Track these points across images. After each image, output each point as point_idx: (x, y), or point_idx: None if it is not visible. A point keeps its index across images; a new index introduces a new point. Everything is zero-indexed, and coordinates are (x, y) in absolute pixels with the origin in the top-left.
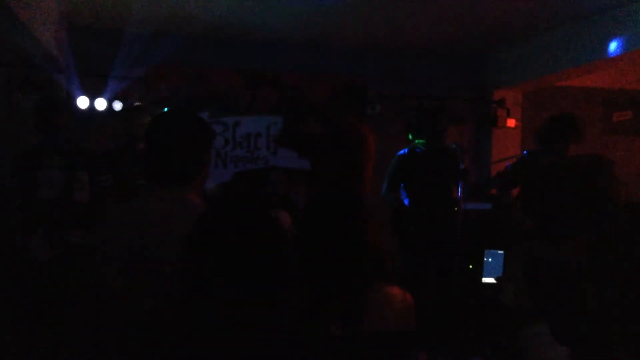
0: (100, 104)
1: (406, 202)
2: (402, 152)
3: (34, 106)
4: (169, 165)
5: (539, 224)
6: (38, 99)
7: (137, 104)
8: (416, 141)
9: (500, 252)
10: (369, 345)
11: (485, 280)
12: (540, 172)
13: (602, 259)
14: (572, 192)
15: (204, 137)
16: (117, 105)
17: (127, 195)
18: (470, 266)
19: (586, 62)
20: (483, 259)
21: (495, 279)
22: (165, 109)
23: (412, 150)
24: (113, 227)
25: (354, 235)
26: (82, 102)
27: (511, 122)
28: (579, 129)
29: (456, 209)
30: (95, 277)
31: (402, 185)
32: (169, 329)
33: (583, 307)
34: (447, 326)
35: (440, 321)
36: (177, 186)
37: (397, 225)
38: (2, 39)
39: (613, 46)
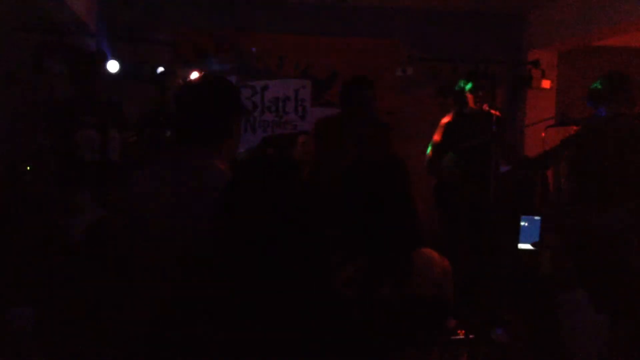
0: (130, 68)
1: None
2: (453, 114)
3: (70, 59)
4: (196, 129)
5: (588, 187)
6: (73, 54)
7: (161, 69)
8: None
9: (537, 218)
10: (406, 307)
11: (522, 246)
12: (585, 134)
13: None
14: (618, 154)
15: (231, 103)
16: (147, 70)
17: (153, 155)
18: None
19: (624, 21)
20: (519, 225)
21: (532, 245)
22: (195, 74)
23: (458, 115)
24: (141, 189)
25: (400, 196)
26: (112, 66)
27: (546, 84)
28: (630, 89)
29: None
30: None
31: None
32: (200, 293)
33: (625, 275)
34: (479, 293)
35: (473, 288)
36: (203, 150)
37: (441, 196)
38: (31, 5)
39: None
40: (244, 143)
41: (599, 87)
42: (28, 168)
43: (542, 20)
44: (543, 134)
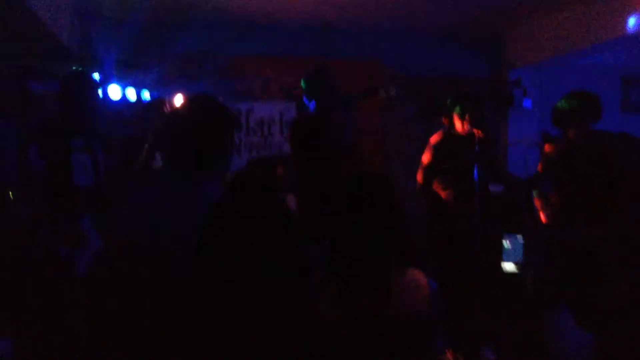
0: (115, 93)
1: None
2: (439, 136)
3: (61, 76)
4: (191, 152)
5: (565, 207)
6: (65, 72)
7: (150, 94)
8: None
9: (520, 237)
10: (390, 327)
11: (505, 265)
12: (565, 154)
13: (632, 243)
14: (601, 171)
15: (225, 124)
16: (131, 95)
17: (139, 180)
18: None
19: (604, 40)
20: (502, 244)
21: (515, 265)
22: (180, 97)
23: (446, 135)
24: (132, 215)
25: (382, 213)
26: (114, 91)
27: (528, 103)
28: (598, 106)
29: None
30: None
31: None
32: (185, 315)
33: (609, 294)
34: (464, 312)
35: (458, 307)
36: (198, 174)
37: (435, 219)
38: (13, 30)
39: (631, 22)
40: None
41: (568, 106)
42: (10, 194)
43: (521, 39)
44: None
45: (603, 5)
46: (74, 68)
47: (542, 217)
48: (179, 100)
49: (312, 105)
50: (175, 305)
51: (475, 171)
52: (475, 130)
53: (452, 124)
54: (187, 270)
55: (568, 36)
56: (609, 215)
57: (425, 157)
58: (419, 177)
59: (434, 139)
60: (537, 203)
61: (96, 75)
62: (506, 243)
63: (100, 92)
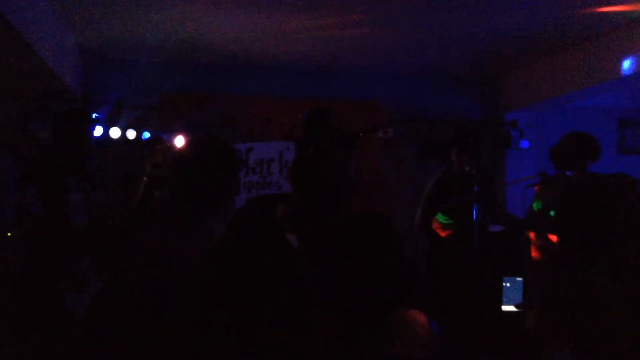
0: (115, 132)
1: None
2: (438, 174)
3: (55, 120)
4: (197, 193)
5: (562, 247)
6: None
7: (149, 132)
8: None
9: (519, 279)
10: None
11: (505, 308)
12: (563, 194)
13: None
14: (598, 213)
15: (230, 164)
16: (131, 134)
17: (140, 220)
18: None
19: (599, 82)
20: (502, 286)
21: (516, 307)
22: (181, 138)
23: (445, 175)
24: (135, 257)
25: (382, 255)
26: (97, 131)
27: (525, 143)
28: (595, 148)
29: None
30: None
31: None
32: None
33: (608, 335)
34: (464, 354)
35: (458, 350)
36: (203, 214)
37: (435, 256)
38: (18, 72)
39: (627, 65)
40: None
41: (566, 147)
42: (9, 234)
43: (518, 81)
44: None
45: (598, 49)
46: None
47: (535, 253)
48: (179, 140)
49: (312, 144)
50: (177, 345)
51: (474, 211)
52: (473, 171)
53: (451, 164)
54: (189, 308)
55: (564, 79)
56: (606, 258)
57: (425, 196)
58: (418, 216)
59: (433, 179)
60: (532, 239)
61: (93, 115)
62: (506, 285)
63: (99, 129)
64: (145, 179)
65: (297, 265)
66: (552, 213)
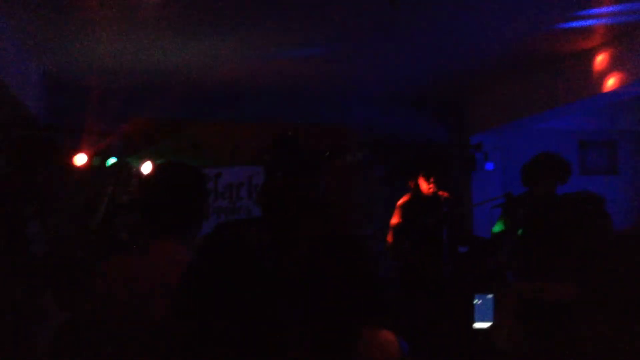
0: (81, 159)
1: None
2: (402, 199)
3: (11, 143)
4: (165, 219)
5: (530, 264)
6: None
7: (112, 160)
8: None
9: (490, 296)
10: None
11: (477, 325)
12: (532, 211)
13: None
14: (566, 230)
15: (199, 189)
16: (96, 161)
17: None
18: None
19: (560, 105)
20: (473, 304)
21: (486, 323)
22: (148, 165)
23: (413, 197)
24: (106, 285)
25: (352, 274)
26: (80, 159)
27: (489, 165)
28: (565, 168)
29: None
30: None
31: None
32: None
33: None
34: None
35: None
36: (171, 239)
37: (405, 277)
38: None
39: (584, 88)
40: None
41: (532, 167)
42: None
43: (481, 105)
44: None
45: (557, 72)
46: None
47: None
48: (147, 166)
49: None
50: None
51: (444, 232)
52: (441, 192)
53: (417, 187)
54: (161, 336)
55: (524, 101)
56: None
57: (394, 219)
58: (389, 238)
59: (401, 201)
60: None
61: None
62: (477, 302)
63: (57, 156)
64: (104, 203)
65: (270, 286)
66: (519, 231)
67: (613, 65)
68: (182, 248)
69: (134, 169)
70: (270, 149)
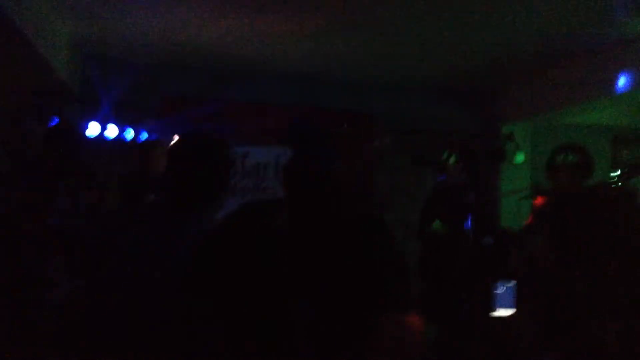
0: (112, 131)
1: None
2: (438, 182)
3: (44, 134)
4: (190, 189)
5: (559, 255)
6: (48, 127)
7: (145, 134)
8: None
9: (512, 283)
10: None
11: (497, 312)
12: (556, 207)
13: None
14: (598, 224)
15: (224, 161)
16: (129, 134)
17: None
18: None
19: (594, 99)
20: (492, 292)
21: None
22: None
23: (442, 184)
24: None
25: (378, 258)
26: (93, 129)
27: (520, 157)
28: (590, 162)
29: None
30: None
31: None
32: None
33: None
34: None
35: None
36: (197, 209)
37: (428, 266)
38: (14, 66)
39: (621, 83)
40: (222, 208)
41: (561, 159)
42: None
43: (514, 96)
44: (539, 200)
45: (594, 65)
46: (57, 120)
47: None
48: (179, 137)
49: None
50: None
51: (469, 221)
52: (469, 181)
53: (447, 174)
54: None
55: (560, 93)
56: (600, 270)
57: (425, 203)
58: (421, 220)
59: (432, 187)
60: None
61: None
62: (498, 290)
63: (95, 128)
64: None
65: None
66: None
67: None
68: (200, 220)
69: (164, 144)
70: (287, 133)
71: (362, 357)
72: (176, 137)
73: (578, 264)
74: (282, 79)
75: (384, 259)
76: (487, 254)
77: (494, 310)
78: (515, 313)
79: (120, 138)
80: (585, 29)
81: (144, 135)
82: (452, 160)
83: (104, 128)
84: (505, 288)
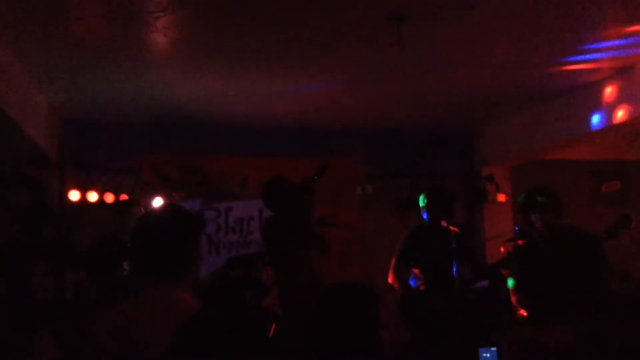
0: (92, 196)
1: (412, 283)
2: (413, 227)
3: (23, 208)
4: (158, 264)
5: (532, 304)
6: (27, 200)
7: (126, 196)
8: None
9: (494, 349)
10: None
11: None
12: (526, 247)
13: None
14: (561, 265)
15: (192, 232)
16: (109, 198)
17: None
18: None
19: (571, 136)
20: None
21: None
22: (159, 200)
23: (419, 228)
24: (99, 332)
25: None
26: (73, 195)
27: (501, 197)
28: (556, 201)
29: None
30: None
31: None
32: None
33: None
34: None
35: None
36: (167, 284)
37: (409, 312)
38: None
39: (596, 119)
40: (208, 265)
41: (527, 201)
42: None
43: (492, 137)
44: (502, 249)
45: (569, 104)
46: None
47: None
48: (157, 202)
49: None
50: None
51: (453, 267)
52: (451, 227)
53: (422, 218)
54: None
55: (538, 132)
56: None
57: (399, 247)
58: (393, 263)
59: (407, 232)
60: (512, 297)
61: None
62: (484, 356)
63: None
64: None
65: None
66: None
67: (621, 98)
68: (181, 294)
69: (145, 208)
70: (264, 187)
71: None
72: (158, 199)
73: (549, 305)
74: (265, 132)
75: (363, 329)
76: (480, 299)
77: None
78: None
79: (101, 202)
80: (558, 71)
81: (124, 197)
82: (424, 204)
83: (84, 193)
84: (490, 352)
